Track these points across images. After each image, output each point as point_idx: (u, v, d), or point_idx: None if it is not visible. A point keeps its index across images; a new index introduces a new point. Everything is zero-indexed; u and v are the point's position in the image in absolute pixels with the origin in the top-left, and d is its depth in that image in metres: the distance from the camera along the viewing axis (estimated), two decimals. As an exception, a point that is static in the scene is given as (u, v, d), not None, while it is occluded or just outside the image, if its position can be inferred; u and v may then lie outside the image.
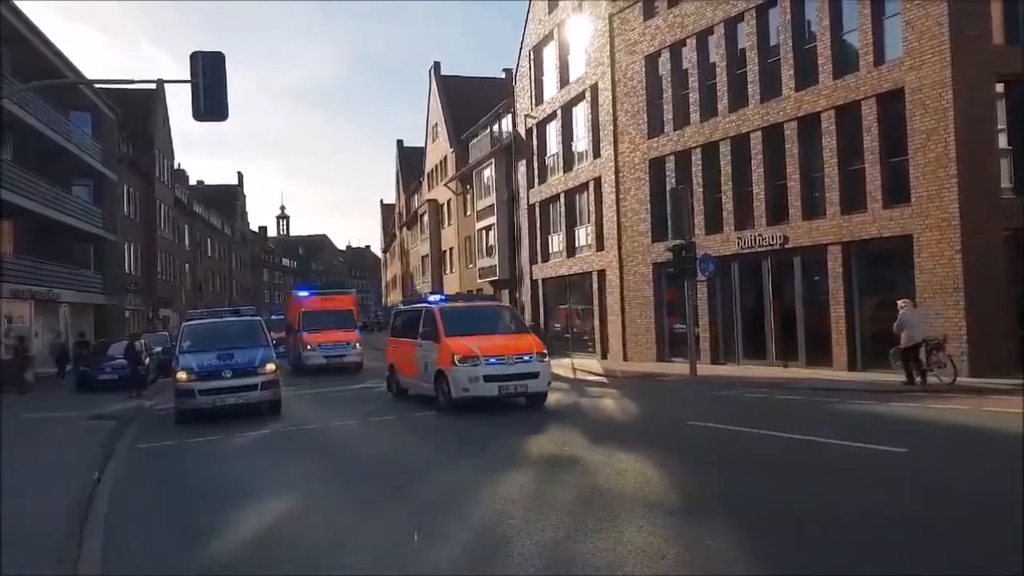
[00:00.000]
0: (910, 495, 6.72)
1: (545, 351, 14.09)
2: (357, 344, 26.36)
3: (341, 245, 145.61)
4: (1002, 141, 16.95)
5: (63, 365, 24.85)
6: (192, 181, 67.86)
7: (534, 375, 13.49)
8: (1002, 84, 16.81)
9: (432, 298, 16.49)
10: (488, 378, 13.11)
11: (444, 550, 5.76)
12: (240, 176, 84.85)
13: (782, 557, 5.20)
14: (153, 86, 38.27)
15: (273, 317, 38.38)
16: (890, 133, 17.57)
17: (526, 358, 13.49)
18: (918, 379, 14.78)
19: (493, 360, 13.22)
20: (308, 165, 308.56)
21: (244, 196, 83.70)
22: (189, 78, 11.54)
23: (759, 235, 20.83)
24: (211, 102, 11.44)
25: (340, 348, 25.74)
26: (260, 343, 15.50)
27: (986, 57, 16.33)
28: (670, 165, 24.31)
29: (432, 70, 51.27)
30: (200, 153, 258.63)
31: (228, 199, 75.70)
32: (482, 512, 6.87)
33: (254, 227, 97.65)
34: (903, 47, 17.04)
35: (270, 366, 14.85)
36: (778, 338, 20.64)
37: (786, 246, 20.06)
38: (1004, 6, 17.09)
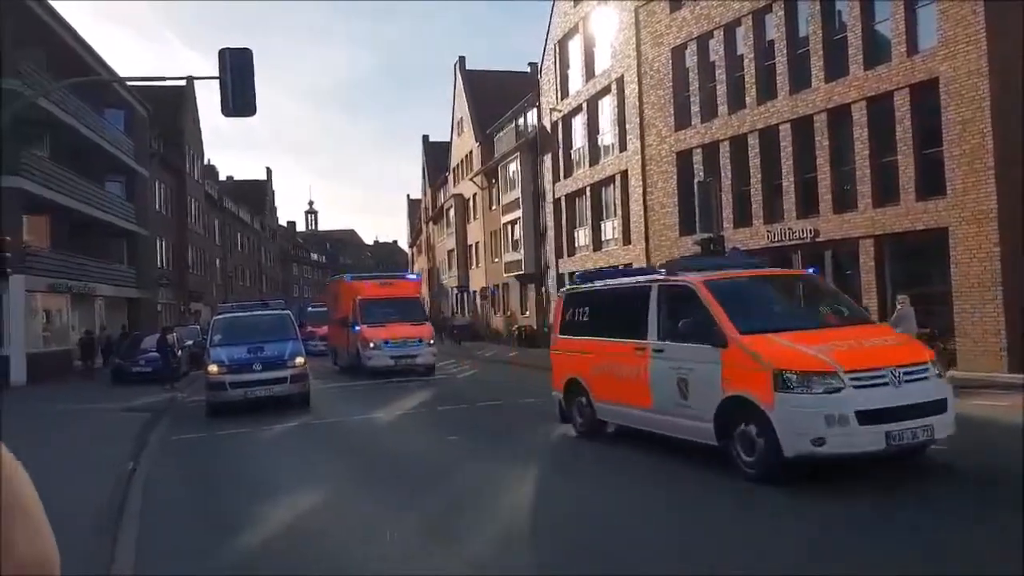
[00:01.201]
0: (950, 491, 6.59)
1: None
2: (430, 340, 21.86)
3: (368, 240, 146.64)
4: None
5: (91, 358, 25.30)
6: (222, 177, 68.74)
7: None
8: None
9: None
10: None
11: (454, 546, 5.79)
12: (269, 172, 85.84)
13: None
14: (183, 83, 38.94)
15: (311, 309, 37.09)
16: (924, 124, 17.19)
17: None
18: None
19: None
20: (335, 161, 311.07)
21: (273, 191, 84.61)
22: (218, 75, 11.69)
23: (789, 228, 20.54)
24: (239, 98, 11.58)
25: (410, 346, 21.21)
26: (289, 336, 15.70)
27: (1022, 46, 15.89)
28: (697, 158, 24.06)
29: (457, 65, 51.30)
30: (230, 149, 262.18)
31: (257, 194, 76.58)
32: (496, 505, 6.87)
33: (283, 222, 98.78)
34: (937, 36, 16.65)
35: (299, 359, 15.05)
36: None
37: (817, 239, 19.77)
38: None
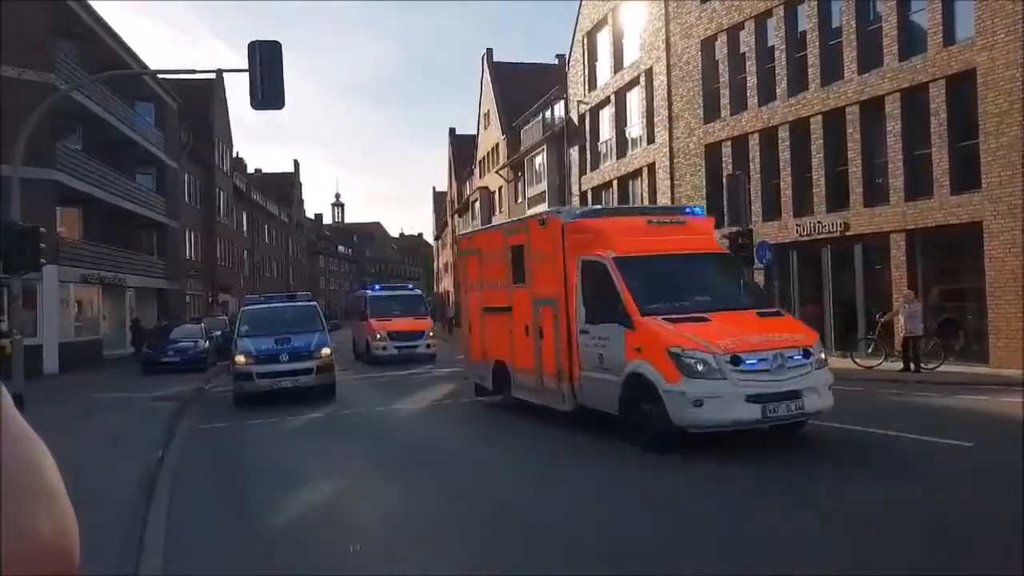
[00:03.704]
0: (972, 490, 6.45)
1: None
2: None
3: (394, 233, 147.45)
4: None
5: (142, 344, 25.71)
6: (250, 169, 69.47)
7: None
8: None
9: None
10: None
11: (474, 537, 5.78)
12: (296, 164, 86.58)
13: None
14: (213, 75, 39.38)
15: (375, 293, 26.31)
16: (959, 116, 16.79)
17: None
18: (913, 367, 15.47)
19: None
20: (362, 153, 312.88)
21: (300, 184, 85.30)
22: (247, 67, 11.77)
23: (818, 222, 20.22)
24: (268, 90, 11.65)
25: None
26: (316, 328, 15.79)
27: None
28: (727, 151, 23.77)
29: (485, 57, 51.23)
30: (259, 142, 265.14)
31: (285, 187, 77.26)
32: (517, 498, 6.87)
33: (310, 214, 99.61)
34: (975, 26, 16.24)
35: (325, 350, 15.16)
36: (838, 328, 20.06)
37: (847, 233, 19.43)
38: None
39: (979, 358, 16.06)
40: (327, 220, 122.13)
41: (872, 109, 18.84)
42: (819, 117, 20.26)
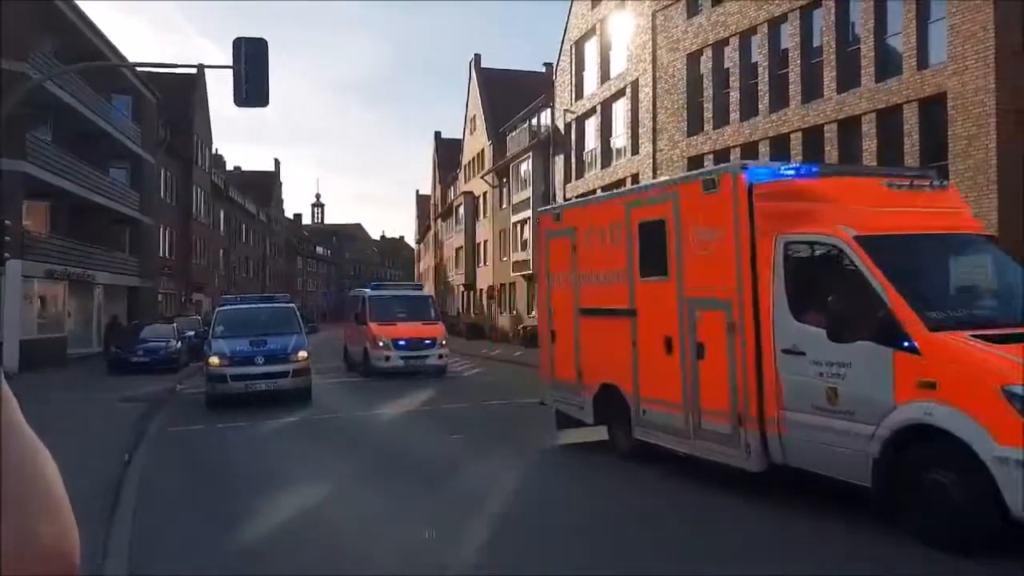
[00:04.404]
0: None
1: None
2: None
3: (375, 234, 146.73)
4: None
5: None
6: (229, 167, 68.67)
7: None
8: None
9: None
10: None
11: (464, 545, 5.71)
12: (277, 163, 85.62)
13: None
14: (194, 71, 38.92)
15: (373, 293, 22.07)
16: (931, 138, 17.16)
17: None
18: None
19: None
20: (344, 154, 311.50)
21: (280, 183, 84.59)
22: (231, 64, 11.62)
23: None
24: (252, 88, 11.50)
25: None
26: (293, 330, 15.58)
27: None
28: (709, 163, 23.95)
29: (472, 62, 51.26)
30: (238, 139, 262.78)
31: (264, 186, 76.53)
32: (504, 505, 6.81)
33: (289, 214, 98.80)
34: (947, 51, 16.64)
35: (302, 353, 14.95)
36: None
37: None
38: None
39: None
40: (306, 220, 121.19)
41: (849, 127, 19.13)
42: (799, 134, 20.51)
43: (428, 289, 41.74)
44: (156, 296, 37.26)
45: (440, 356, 19.86)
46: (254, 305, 17.16)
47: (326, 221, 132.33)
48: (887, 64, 18.25)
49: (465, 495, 7.46)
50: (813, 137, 20.09)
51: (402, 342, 19.33)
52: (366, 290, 22.03)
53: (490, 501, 7.11)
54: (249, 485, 8.04)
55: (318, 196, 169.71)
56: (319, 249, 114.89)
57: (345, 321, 23.99)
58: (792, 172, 6.94)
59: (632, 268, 8.17)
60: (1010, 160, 15.61)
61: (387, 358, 19.20)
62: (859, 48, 18.86)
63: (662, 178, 12.72)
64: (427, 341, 19.68)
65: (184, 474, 9.06)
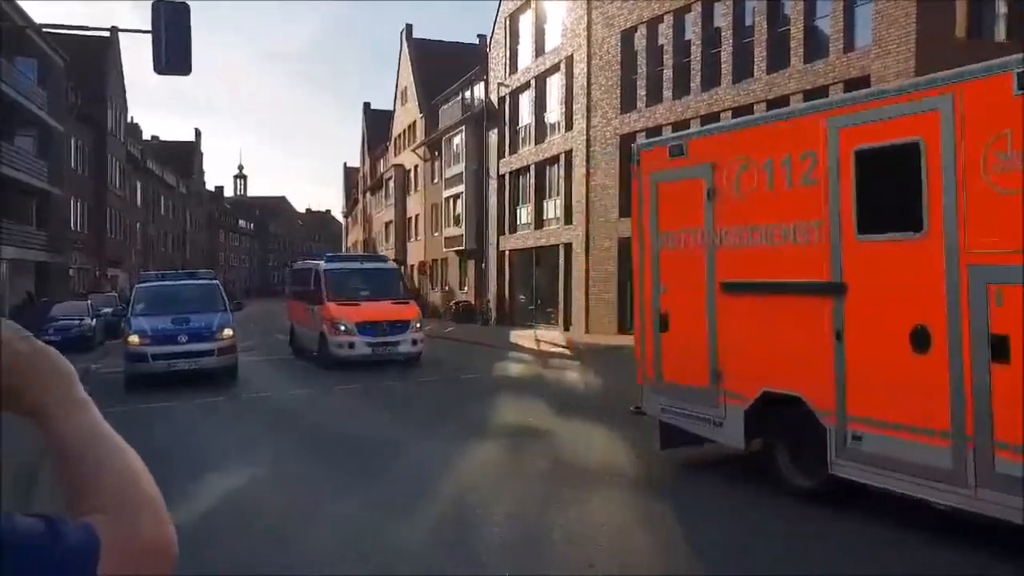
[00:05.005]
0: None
1: None
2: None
3: (300, 208, 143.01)
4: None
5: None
6: (146, 136, 65.53)
7: None
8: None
9: None
10: None
11: (415, 521, 5.63)
12: (198, 133, 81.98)
13: (742, 526, 5.18)
14: (107, 34, 36.67)
15: (331, 266, 18.59)
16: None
17: None
18: None
19: None
20: (269, 125, 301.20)
21: (201, 154, 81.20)
22: (149, 28, 10.91)
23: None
24: (174, 55, 10.84)
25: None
26: (217, 307, 15.14)
27: (948, 49, 16.58)
28: (641, 141, 24.20)
29: (404, 33, 50.13)
30: (156, 108, 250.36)
31: (184, 156, 73.32)
32: (449, 482, 6.75)
33: (211, 186, 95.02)
34: (872, 35, 17.24)
35: (227, 331, 14.54)
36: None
37: (752, 228, 20.21)
38: (969, 2, 17.41)
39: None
40: (228, 193, 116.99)
41: (778, 108, 19.58)
42: (729, 113, 20.90)
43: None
44: (67, 272, 35.30)
45: (415, 342, 16.68)
46: (176, 282, 16.50)
47: (249, 194, 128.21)
48: (815, 46, 18.76)
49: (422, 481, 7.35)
50: (743, 116, 20.53)
51: (369, 326, 16.17)
52: (319, 262, 18.42)
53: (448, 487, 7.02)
54: (180, 469, 7.70)
55: (241, 168, 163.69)
56: (242, 223, 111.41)
57: (292, 299, 20.29)
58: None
59: (839, 221, 5.60)
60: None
61: (351, 345, 16.04)
62: (789, 29, 19.31)
63: (910, 80, 9.06)
64: (399, 324, 16.49)
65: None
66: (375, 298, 16.89)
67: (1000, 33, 17.71)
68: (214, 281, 16.73)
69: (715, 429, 6.58)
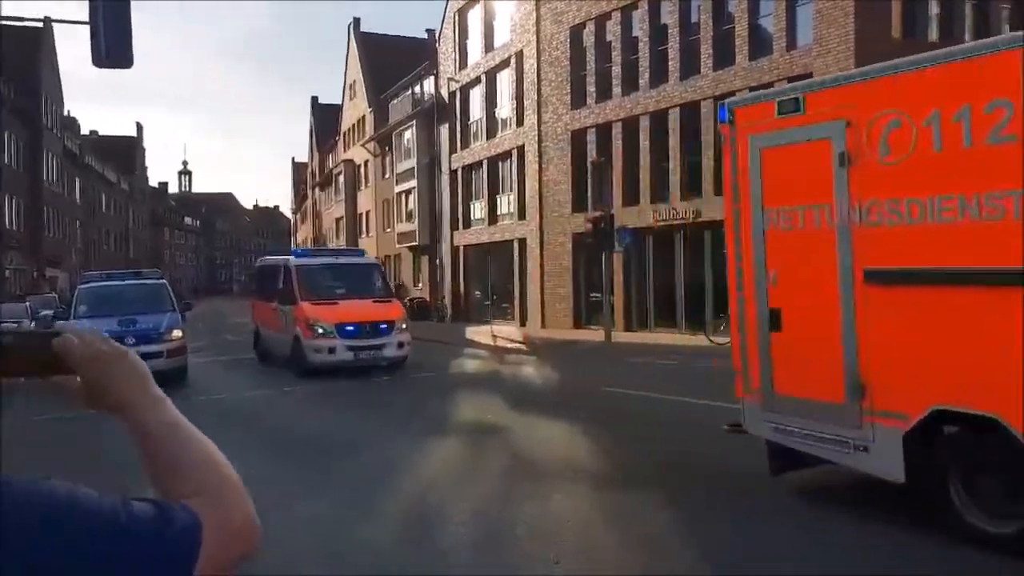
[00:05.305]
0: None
1: None
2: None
3: (248, 204, 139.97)
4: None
5: None
6: (85, 131, 63.20)
7: None
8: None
9: None
10: None
11: (375, 519, 5.67)
12: (139, 127, 79.43)
13: (708, 519, 5.38)
14: (40, 24, 35.28)
15: (300, 261, 17.00)
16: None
17: None
18: None
19: None
20: (214, 119, 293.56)
21: (143, 149, 78.75)
22: (87, 19, 10.60)
23: (673, 209, 21.38)
24: (113, 47, 10.52)
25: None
26: (165, 308, 14.77)
27: (885, 49, 17.24)
28: (592, 137, 24.49)
29: (351, 26, 49.45)
30: (94, 101, 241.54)
31: (125, 152, 70.97)
32: (411, 480, 6.79)
33: (154, 183, 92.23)
34: (813, 34, 17.81)
35: (176, 332, 14.20)
36: (688, 308, 21.41)
37: (699, 220, 20.69)
38: (903, 3, 18.16)
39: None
40: (173, 189, 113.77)
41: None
42: (677, 110, 21.33)
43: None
44: (3, 272, 33.95)
45: (401, 344, 14.97)
46: (121, 282, 16.03)
47: (195, 190, 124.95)
48: (759, 44, 19.28)
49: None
50: (690, 113, 20.95)
51: (349, 328, 14.46)
52: (288, 257, 16.88)
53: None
54: (135, 473, 7.57)
55: (185, 163, 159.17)
56: (188, 220, 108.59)
57: (258, 299, 18.31)
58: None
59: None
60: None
61: (331, 350, 14.34)
62: (734, 27, 19.79)
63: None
64: (383, 325, 14.80)
65: (56, 467, 8.38)
66: (354, 296, 15.23)
67: (933, 33, 18.51)
68: (161, 280, 16.36)
69: (858, 455, 5.10)
